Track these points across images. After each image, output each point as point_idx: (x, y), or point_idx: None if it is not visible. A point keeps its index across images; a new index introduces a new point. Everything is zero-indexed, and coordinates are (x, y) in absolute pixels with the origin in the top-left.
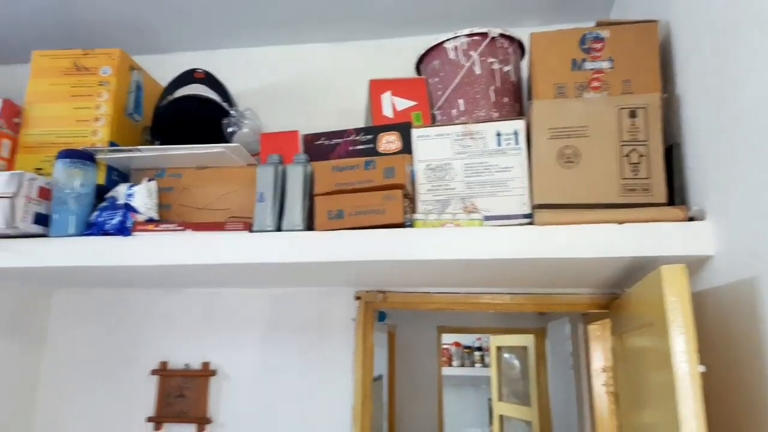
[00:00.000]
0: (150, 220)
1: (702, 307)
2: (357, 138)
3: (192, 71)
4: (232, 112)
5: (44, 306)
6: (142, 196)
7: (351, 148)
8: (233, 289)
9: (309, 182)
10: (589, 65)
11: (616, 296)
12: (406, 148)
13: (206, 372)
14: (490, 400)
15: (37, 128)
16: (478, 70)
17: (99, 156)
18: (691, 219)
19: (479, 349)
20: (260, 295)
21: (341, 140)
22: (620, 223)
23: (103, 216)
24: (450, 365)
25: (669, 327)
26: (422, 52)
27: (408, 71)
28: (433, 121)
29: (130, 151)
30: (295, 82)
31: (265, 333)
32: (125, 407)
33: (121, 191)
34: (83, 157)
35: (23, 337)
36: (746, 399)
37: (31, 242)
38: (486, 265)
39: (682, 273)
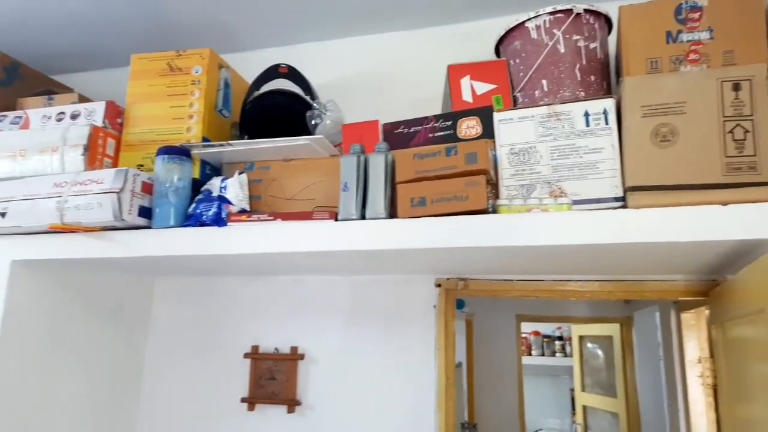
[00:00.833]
0: (242, 211)
1: None
2: (436, 125)
3: (276, 66)
4: (314, 104)
5: (147, 293)
6: (234, 189)
7: (431, 135)
8: (317, 276)
9: (391, 171)
10: (685, 37)
11: (716, 283)
12: (487, 132)
13: (294, 356)
14: (572, 390)
15: (138, 127)
16: (562, 49)
17: (194, 151)
18: None
19: (560, 338)
20: (342, 283)
21: (420, 128)
22: (724, 204)
23: (200, 208)
24: (529, 354)
25: None
26: (501, 33)
27: (485, 55)
28: (514, 104)
29: (222, 145)
30: (372, 72)
31: (347, 319)
32: (221, 388)
33: (215, 184)
34: (180, 152)
35: (130, 321)
36: None
37: (136, 234)
38: (575, 251)
39: None
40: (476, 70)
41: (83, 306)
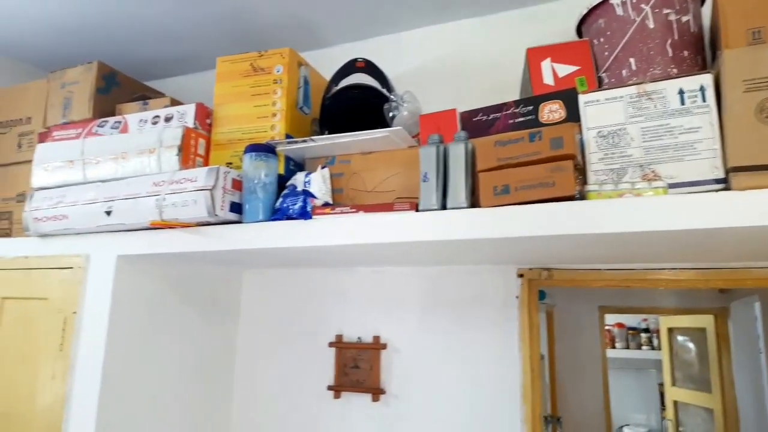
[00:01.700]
0: (326, 204)
1: None
2: (517, 110)
3: (354, 61)
4: (392, 96)
5: (237, 284)
6: (317, 183)
7: (511, 121)
8: (397, 267)
9: (471, 159)
10: None
11: None
12: (572, 116)
13: (377, 345)
14: (661, 384)
15: (225, 127)
16: (651, 24)
17: (279, 148)
18: None
19: (646, 330)
20: (419, 273)
21: (500, 114)
22: None
23: (287, 202)
24: (613, 347)
25: None
26: (584, 12)
27: (563, 36)
28: (599, 85)
29: (304, 141)
30: (447, 61)
31: (426, 309)
32: (308, 376)
33: (299, 179)
34: (266, 150)
35: (222, 311)
36: None
37: (228, 228)
38: (671, 238)
39: None
40: (557, 52)
41: (180, 297)
